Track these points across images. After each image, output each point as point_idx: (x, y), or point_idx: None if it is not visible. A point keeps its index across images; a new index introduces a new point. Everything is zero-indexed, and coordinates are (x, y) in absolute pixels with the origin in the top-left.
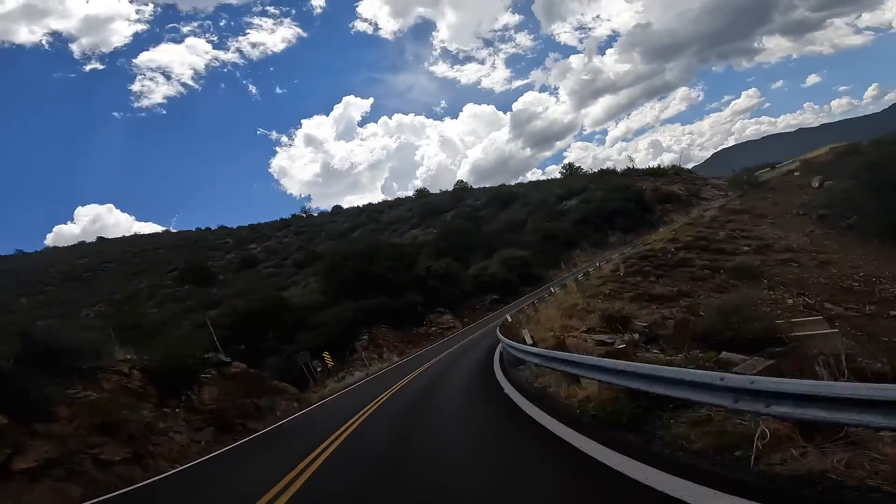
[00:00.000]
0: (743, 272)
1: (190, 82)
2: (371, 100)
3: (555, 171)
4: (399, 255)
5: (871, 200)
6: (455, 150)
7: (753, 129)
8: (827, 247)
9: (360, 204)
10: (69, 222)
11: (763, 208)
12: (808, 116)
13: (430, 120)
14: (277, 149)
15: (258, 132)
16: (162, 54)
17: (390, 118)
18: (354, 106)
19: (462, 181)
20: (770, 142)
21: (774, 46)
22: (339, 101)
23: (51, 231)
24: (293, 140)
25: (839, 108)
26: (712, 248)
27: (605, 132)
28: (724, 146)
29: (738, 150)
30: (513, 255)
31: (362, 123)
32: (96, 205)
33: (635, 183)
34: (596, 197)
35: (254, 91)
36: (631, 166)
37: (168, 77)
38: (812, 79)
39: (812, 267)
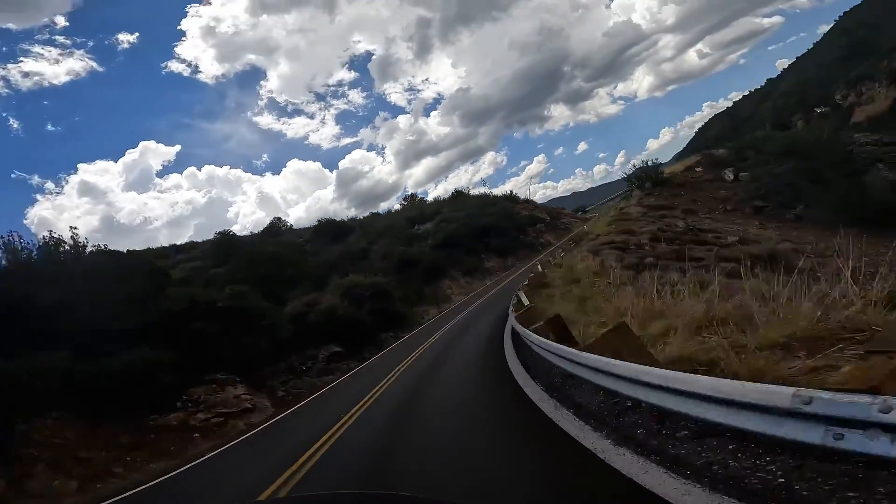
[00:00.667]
0: (775, 261)
1: None
2: (177, 147)
3: (393, 204)
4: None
5: (815, 188)
6: (276, 207)
7: (542, 192)
8: (804, 237)
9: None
10: None
11: (685, 204)
12: (577, 181)
13: (249, 174)
14: (38, 196)
15: (13, 175)
16: None
17: (199, 169)
18: (154, 153)
19: (279, 217)
20: (553, 204)
21: (558, 114)
22: (135, 146)
23: None
24: (62, 187)
25: (599, 173)
26: (696, 239)
27: (425, 194)
28: None
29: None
30: (358, 283)
31: (162, 174)
32: None
33: (501, 202)
34: (458, 217)
35: (15, 126)
36: (487, 191)
37: None
38: (581, 146)
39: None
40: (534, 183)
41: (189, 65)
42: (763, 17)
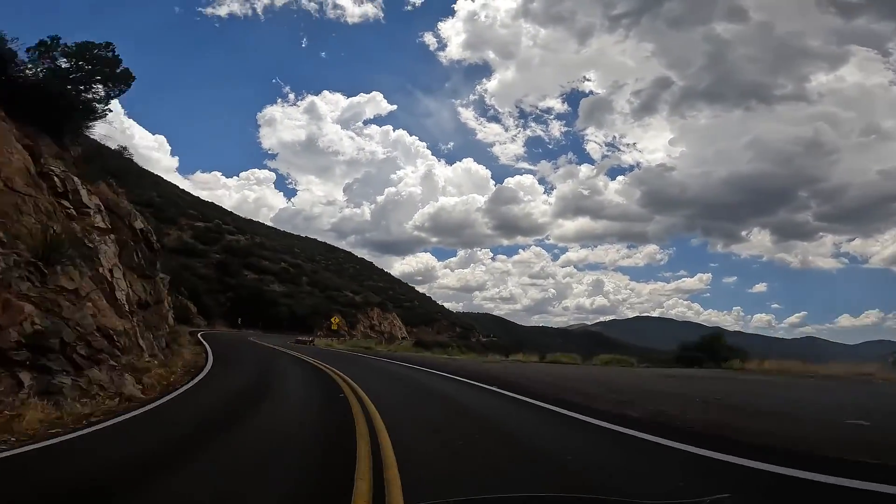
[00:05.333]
0: None
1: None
2: (394, 107)
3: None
4: None
5: None
6: (433, 191)
7: (679, 310)
8: None
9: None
10: None
11: None
12: (727, 319)
13: (429, 152)
14: (279, 100)
15: (273, 80)
16: None
17: (394, 130)
18: (376, 104)
19: None
20: (685, 327)
21: (756, 241)
22: (369, 93)
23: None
24: (299, 101)
25: (757, 322)
26: None
27: (564, 250)
28: (648, 314)
29: (656, 322)
30: None
31: (369, 122)
32: None
33: None
34: None
35: (303, 45)
36: None
37: None
38: (759, 287)
39: None
40: (678, 297)
41: (439, 41)
42: None
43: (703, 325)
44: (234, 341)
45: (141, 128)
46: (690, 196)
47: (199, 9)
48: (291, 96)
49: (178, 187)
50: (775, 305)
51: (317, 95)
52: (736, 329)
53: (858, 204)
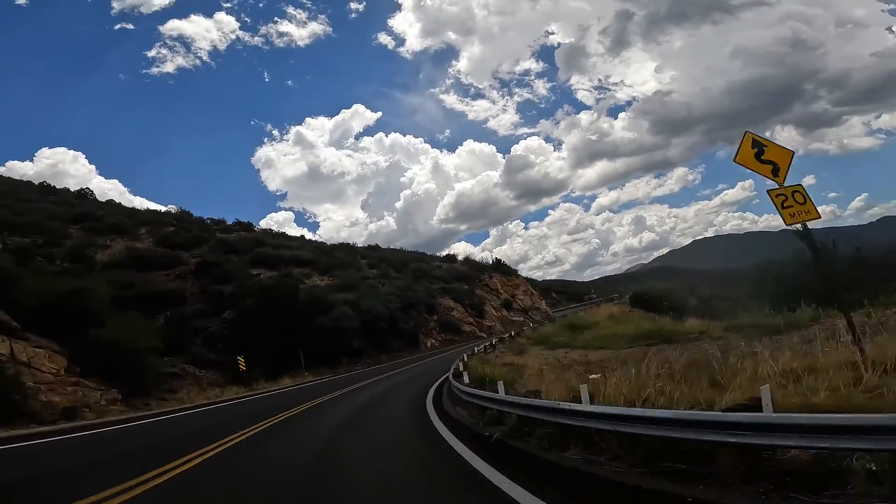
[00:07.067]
0: None
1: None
2: (379, 114)
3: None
4: None
5: None
6: (447, 180)
7: (734, 223)
8: None
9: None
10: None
11: None
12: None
13: (428, 146)
14: (266, 140)
15: (252, 123)
16: (189, 25)
17: (387, 136)
18: (361, 116)
19: None
20: (748, 238)
21: (785, 138)
22: (349, 108)
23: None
24: (284, 135)
25: (823, 215)
26: None
27: (593, 198)
28: (704, 236)
29: (715, 241)
30: None
31: (360, 136)
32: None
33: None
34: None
35: (266, 79)
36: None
37: (188, 48)
38: (808, 180)
39: None
40: (728, 210)
41: (395, 38)
42: None
43: (764, 232)
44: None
45: (155, 203)
46: (700, 113)
47: (144, 70)
48: (276, 132)
49: None
50: (832, 195)
51: (300, 125)
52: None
53: (868, 85)
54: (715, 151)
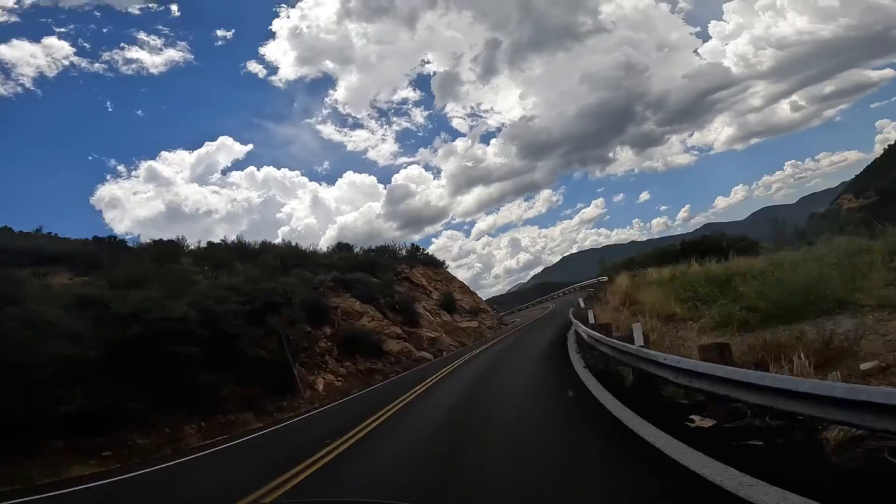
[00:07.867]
0: None
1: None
2: (250, 146)
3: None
4: None
5: None
6: (327, 214)
7: (592, 239)
8: None
9: None
10: None
11: None
12: (633, 232)
13: (305, 179)
14: (109, 177)
15: (90, 158)
16: (11, 50)
17: (258, 170)
18: (228, 149)
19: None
20: (605, 251)
21: (623, 158)
22: (215, 140)
23: None
24: (133, 171)
25: (657, 226)
26: None
27: (473, 223)
28: (570, 252)
29: (581, 256)
30: None
31: (228, 171)
32: None
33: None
34: None
35: (109, 109)
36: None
37: (7, 75)
38: (644, 195)
39: None
40: (587, 228)
41: (267, 66)
42: (872, 70)
43: (617, 245)
44: None
45: None
46: (557, 136)
47: None
48: (122, 168)
49: None
50: (664, 207)
51: (154, 160)
52: (644, 238)
53: (682, 105)
54: (572, 173)
